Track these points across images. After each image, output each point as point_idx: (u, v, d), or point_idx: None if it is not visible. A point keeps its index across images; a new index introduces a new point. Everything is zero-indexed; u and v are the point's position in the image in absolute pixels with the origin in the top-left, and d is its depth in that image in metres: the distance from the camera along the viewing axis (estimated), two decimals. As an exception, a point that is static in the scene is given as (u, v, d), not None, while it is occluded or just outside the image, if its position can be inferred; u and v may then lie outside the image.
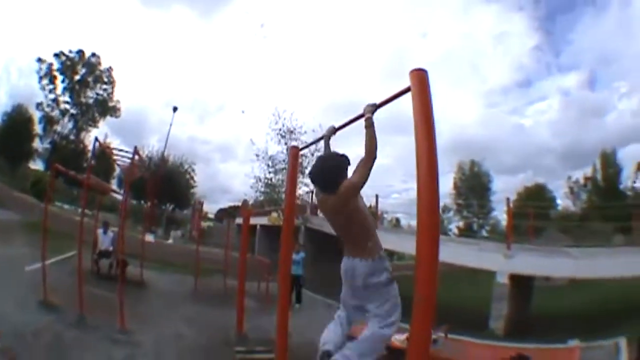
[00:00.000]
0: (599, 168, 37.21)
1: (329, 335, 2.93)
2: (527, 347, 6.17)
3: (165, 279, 11.34)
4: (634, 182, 35.56)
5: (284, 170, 20.51)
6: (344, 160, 2.81)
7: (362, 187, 2.67)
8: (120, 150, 7.59)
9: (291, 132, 20.56)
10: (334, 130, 3.31)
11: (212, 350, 5.49)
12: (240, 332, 6.53)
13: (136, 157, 7.19)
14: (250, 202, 21.40)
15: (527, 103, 75.40)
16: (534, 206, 12.77)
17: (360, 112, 2.87)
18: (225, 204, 63.93)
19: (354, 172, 2.70)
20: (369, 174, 2.64)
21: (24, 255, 8.00)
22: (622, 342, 5.75)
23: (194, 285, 10.44)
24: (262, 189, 21.35)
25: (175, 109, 25.42)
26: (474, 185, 42.28)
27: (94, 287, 7.09)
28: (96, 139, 7.95)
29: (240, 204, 21.51)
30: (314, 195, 19.27)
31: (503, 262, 9.48)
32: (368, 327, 2.79)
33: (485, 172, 42.27)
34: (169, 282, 11.06)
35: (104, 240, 9.82)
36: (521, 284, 9.77)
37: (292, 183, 4.25)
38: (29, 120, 37.37)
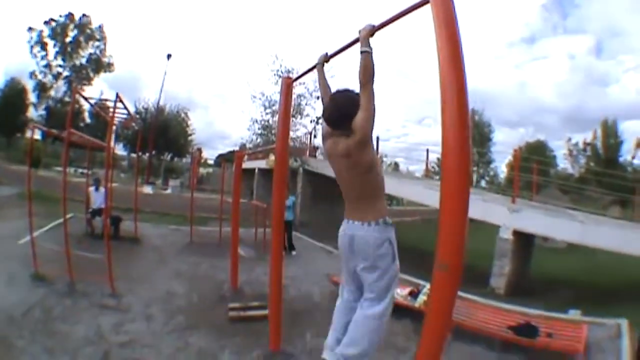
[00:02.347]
0: (600, 136, 37.72)
1: (331, 338, 2.66)
2: (532, 312, 6.05)
3: (160, 232, 11.23)
4: (633, 157, 36.38)
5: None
6: (355, 94, 2.48)
7: (374, 118, 2.37)
8: (105, 100, 7.16)
9: (288, 72, 19.47)
10: (326, 58, 2.99)
11: (205, 309, 5.27)
12: (235, 287, 6.37)
13: (120, 104, 6.65)
14: (248, 145, 21.20)
15: (531, 59, 73.66)
16: (537, 162, 12.26)
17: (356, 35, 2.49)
18: (224, 149, 64.61)
19: (360, 108, 2.36)
20: (374, 105, 2.35)
21: (18, 229, 7.85)
22: (624, 324, 5.53)
23: (189, 236, 10.29)
24: (259, 131, 20.65)
25: (169, 56, 24.59)
26: (474, 134, 42.43)
27: (88, 249, 6.92)
28: (72, 87, 7.47)
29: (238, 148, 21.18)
30: (312, 137, 19.06)
31: (508, 217, 9.13)
32: (361, 306, 2.52)
33: (487, 122, 41.92)
34: (164, 234, 10.94)
35: (97, 198, 9.51)
36: (523, 240, 9.46)
37: (286, 114, 4.04)
38: (22, 91, 37.78)
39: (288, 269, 4.13)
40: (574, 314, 6.25)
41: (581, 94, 55.60)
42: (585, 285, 10.53)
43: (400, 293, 5.94)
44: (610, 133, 37.02)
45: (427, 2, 1.94)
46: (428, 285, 5.90)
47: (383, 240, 2.41)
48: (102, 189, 9.61)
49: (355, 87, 2.46)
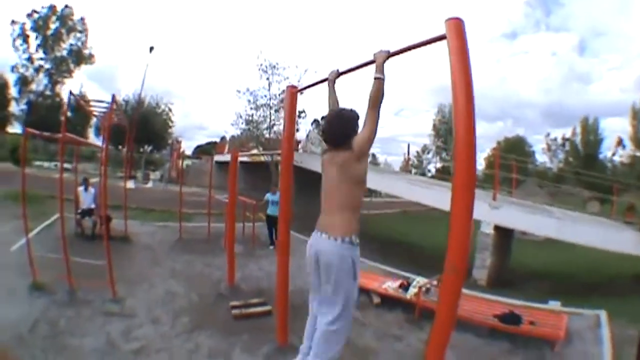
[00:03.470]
0: (579, 132, 38.47)
1: (304, 344, 2.95)
2: (514, 303, 6.43)
3: (148, 229, 11.23)
4: (613, 154, 37.21)
5: (265, 107, 20.65)
6: (355, 114, 2.71)
7: (374, 140, 2.58)
8: (97, 101, 7.12)
9: (273, 67, 20.15)
10: (337, 75, 3.15)
11: (207, 307, 5.43)
12: (232, 284, 6.55)
13: (114, 106, 6.69)
14: (228, 138, 21.41)
15: (511, 55, 75.29)
16: (517, 160, 12.76)
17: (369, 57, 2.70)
18: (202, 140, 63.98)
19: (363, 127, 2.57)
20: (377, 128, 2.55)
21: (7, 234, 7.72)
22: (603, 315, 5.93)
23: (177, 233, 10.35)
24: (244, 126, 21.01)
25: (151, 48, 24.29)
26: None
27: (80, 251, 6.86)
28: (71, 93, 7.44)
29: (218, 140, 21.43)
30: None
31: (489, 213, 9.55)
32: (319, 322, 2.75)
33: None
34: (152, 232, 10.95)
35: (86, 199, 9.52)
36: (503, 234, 9.91)
37: (290, 124, 4.09)
38: (4, 85, 36.90)
39: (276, 265, 4.33)
40: (554, 305, 6.62)
41: (562, 90, 57.10)
42: (563, 277, 11.05)
43: (392, 286, 6.29)
44: (591, 130, 37.80)
45: (444, 37, 2.17)
46: (418, 278, 6.28)
47: (346, 257, 2.58)
48: (91, 189, 9.64)
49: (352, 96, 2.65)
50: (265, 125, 20.71)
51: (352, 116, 2.70)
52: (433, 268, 5.10)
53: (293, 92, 4.07)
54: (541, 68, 63.21)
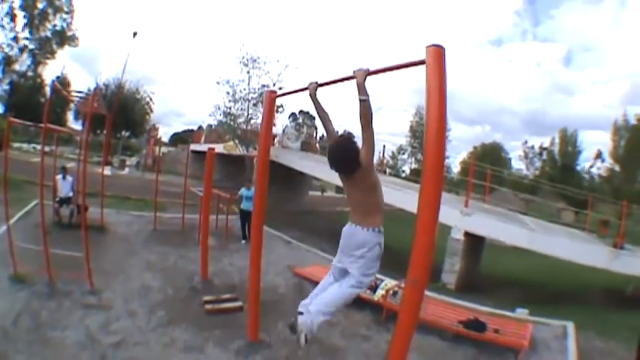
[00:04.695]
0: (558, 142, 39.12)
1: (308, 299, 3.08)
2: (480, 309, 6.65)
3: (124, 219, 11.04)
4: (591, 166, 37.76)
5: (243, 100, 20.42)
6: (351, 139, 2.90)
7: (374, 150, 2.84)
8: (78, 92, 7.07)
9: (254, 60, 19.89)
10: (317, 87, 3.26)
11: (181, 301, 5.53)
12: (205, 278, 6.65)
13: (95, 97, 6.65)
14: (205, 126, 21.38)
15: (495, 61, 76.64)
16: (492, 169, 13.01)
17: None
18: (179, 127, 62.92)
19: (363, 144, 2.76)
20: (374, 141, 2.76)
21: None
22: (570, 326, 6.09)
23: (152, 223, 10.31)
24: (222, 118, 20.94)
25: (135, 34, 23.58)
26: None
27: (58, 241, 6.72)
28: (53, 82, 7.36)
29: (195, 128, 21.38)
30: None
31: (460, 219, 9.77)
32: (340, 284, 2.99)
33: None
34: (128, 221, 10.79)
35: (64, 187, 9.40)
36: (474, 240, 10.17)
37: (268, 128, 4.19)
38: None
39: (248, 260, 4.46)
40: (521, 313, 6.82)
41: (544, 99, 57.87)
42: (533, 285, 11.38)
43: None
44: (569, 141, 38.53)
45: (424, 62, 2.31)
46: (386, 280, 6.42)
47: (375, 243, 2.88)
48: (69, 178, 9.52)
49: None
50: (242, 119, 20.59)
51: (350, 143, 2.87)
52: (402, 269, 5.29)
53: (272, 97, 4.15)
54: (525, 77, 64.42)
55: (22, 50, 37.10)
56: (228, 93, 20.34)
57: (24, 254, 5.83)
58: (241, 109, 20.51)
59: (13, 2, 35.89)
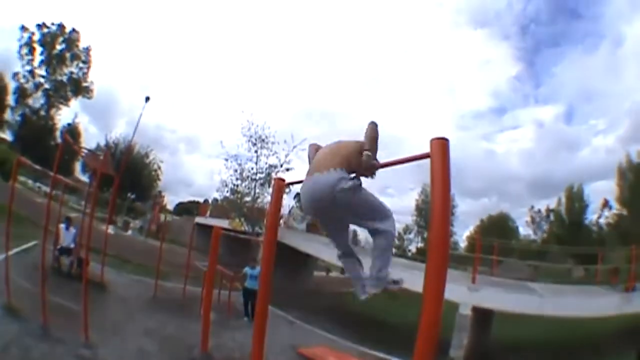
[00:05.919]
0: (564, 202, 38.56)
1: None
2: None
3: (124, 281, 11.02)
4: (599, 217, 36.99)
5: (250, 179, 20.52)
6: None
7: None
8: (88, 150, 7.30)
9: (262, 140, 20.08)
10: None
11: (177, 371, 5.26)
12: (205, 351, 6.34)
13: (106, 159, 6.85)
14: (210, 201, 21.42)
15: (499, 130, 78.04)
16: (499, 242, 12.96)
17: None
18: (185, 197, 63.14)
19: None
20: None
21: None
22: None
23: (153, 289, 10.16)
24: (228, 195, 21.12)
25: (147, 99, 24.23)
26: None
27: (55, 288, 6.70)
28: (65, 135, 7.66)
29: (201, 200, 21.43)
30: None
31: (468, 295, 9.62)
32: (375, 239, 2.70)
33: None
34: (129, 284, 10.75)
35: (66, 237, 9.40)
36: (483, 312, 10.00)
37: (274, 216, 4.10)
38: (3, 89, 36.60)
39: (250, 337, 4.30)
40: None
41: (548, 160, 56.88)
42: (548, 347, 10.91)
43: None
44: (575, 197, 37.92)
45: (429, 156, 2.39)
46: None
47: (342, 178, 2.54)
48: (72, 229, 9.55)
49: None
50: (249, 198, 20.57)
51: None
52: (408, 347, 5.12)
53: (280, 185, 4.14)
54: (527, 140, 65.03)
55: (37, 86, 38.28)
56: (236, 171, 20.50)
57: (19, 291, 5.76)
58: (248, 188, 20.56)
59: (33, 35, 37.62)
